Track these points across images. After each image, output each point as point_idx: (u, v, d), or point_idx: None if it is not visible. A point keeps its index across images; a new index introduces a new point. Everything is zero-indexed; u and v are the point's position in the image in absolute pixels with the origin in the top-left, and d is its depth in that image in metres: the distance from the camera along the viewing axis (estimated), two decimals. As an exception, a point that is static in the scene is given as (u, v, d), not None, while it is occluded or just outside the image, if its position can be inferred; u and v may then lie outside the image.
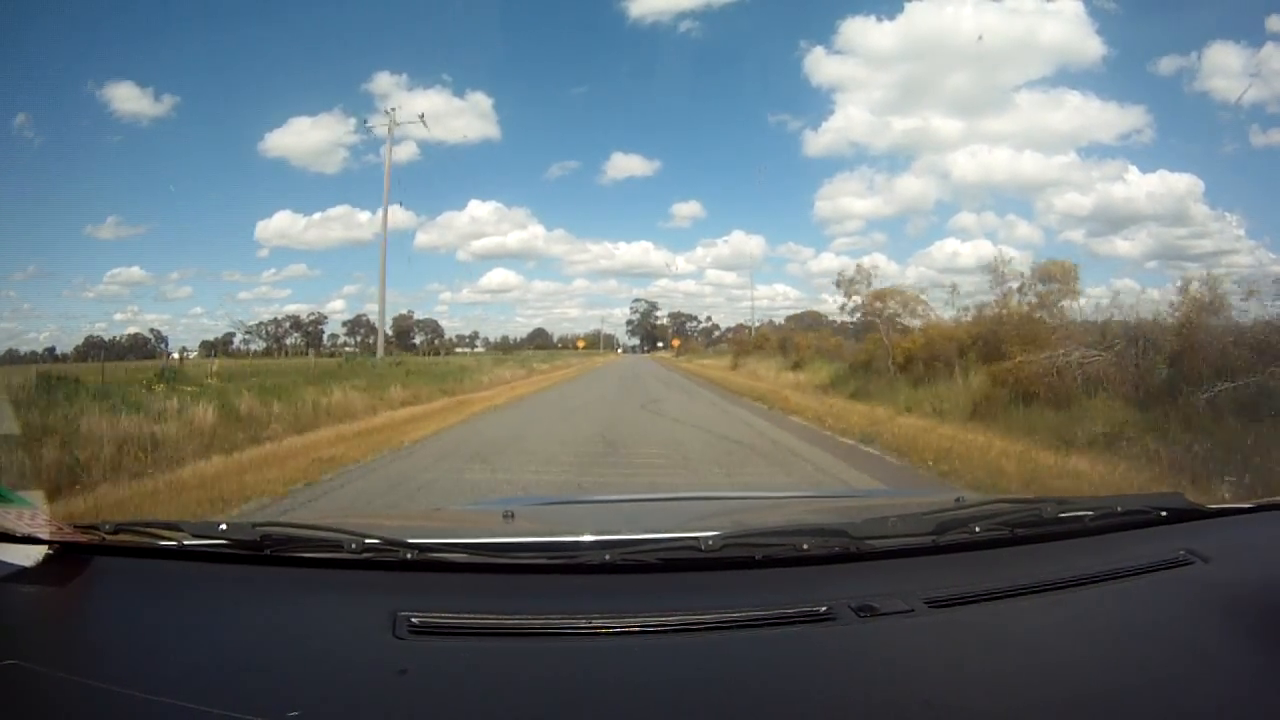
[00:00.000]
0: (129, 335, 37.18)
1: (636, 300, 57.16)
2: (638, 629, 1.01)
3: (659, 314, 59.15)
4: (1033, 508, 1.38)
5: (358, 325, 43.36)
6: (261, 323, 41.69)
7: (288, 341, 42.29)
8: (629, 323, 60.63)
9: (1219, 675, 0.96)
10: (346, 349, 40.73)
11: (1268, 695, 0.92)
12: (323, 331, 42.95)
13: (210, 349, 36.85)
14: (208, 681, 0.90)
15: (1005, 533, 1.30)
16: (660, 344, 58.24)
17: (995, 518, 1.32)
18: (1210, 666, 0.97)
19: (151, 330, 36.94)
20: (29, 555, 1.12)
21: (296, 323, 43.28)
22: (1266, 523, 1.50)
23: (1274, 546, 1.40)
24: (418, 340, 46.90)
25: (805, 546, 1.19)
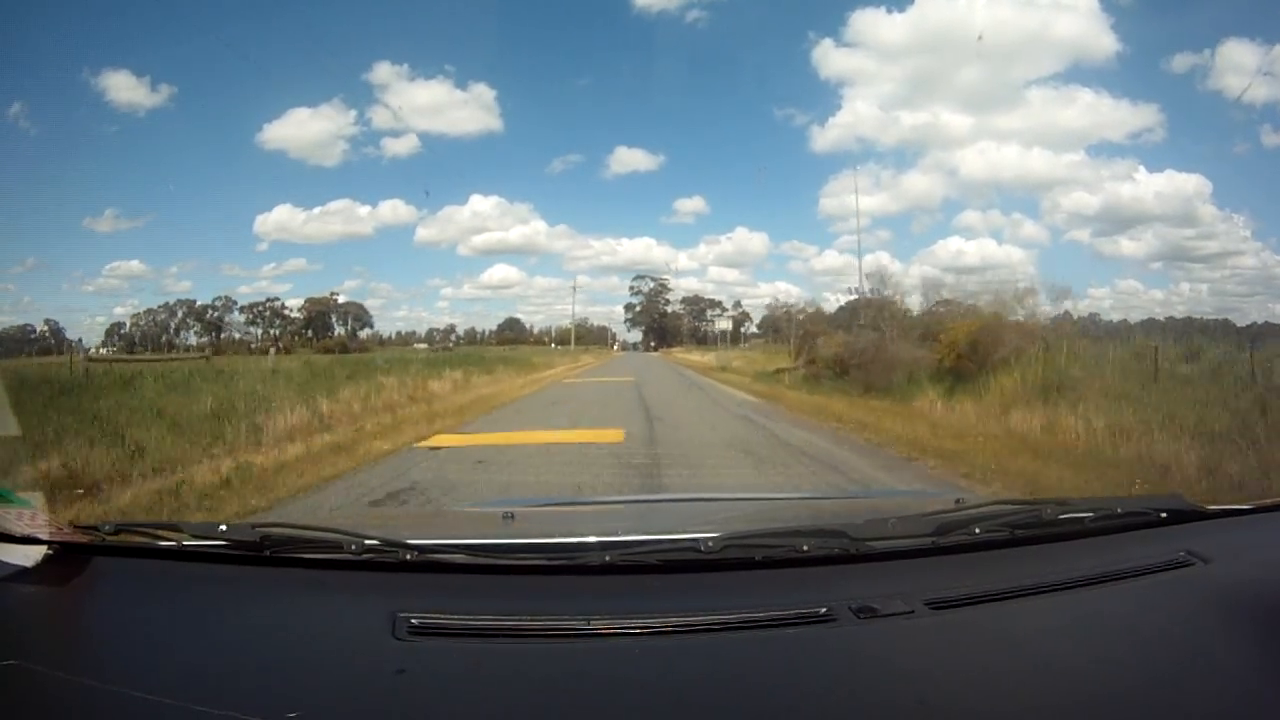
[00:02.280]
0: (17, 326, 31.27)
1: (639, 277, 42.02)
2: (638, 630, 1.01)
3: (669, 296, 43.03)
4: (1033, 509, 1.38)
5: (259, 313, 34.25)
6: (150, 309, 33.49)
7: (186, 339, 33.29)
8: (628, 308, 44.20)
9: (1219, 676, 0.96)
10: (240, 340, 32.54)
11: (1268, 696, 0.92)
12: (219, 320, 34.27)
13: (114, 340, 30.86)
14: (207, 682, 0.90)
15: (1005, 534, 1.30)
16: (720, 334, 40.80)
17: (995, 519, 1.32)
18: (1210, 667, 0.97)
19: (47, 321, 31.20)
20: (29, 555, 1.12)
21: (193, 309, 33.47)
22: (1266, 524, 1.50)
23: (1274, 547, 1.40)
24: (339, 330, 36.37)
25: (805, 548, 1.19)
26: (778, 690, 0.90)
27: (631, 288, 44.69)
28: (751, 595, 1.11)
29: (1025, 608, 1.13)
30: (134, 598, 1.11)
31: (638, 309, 45.08)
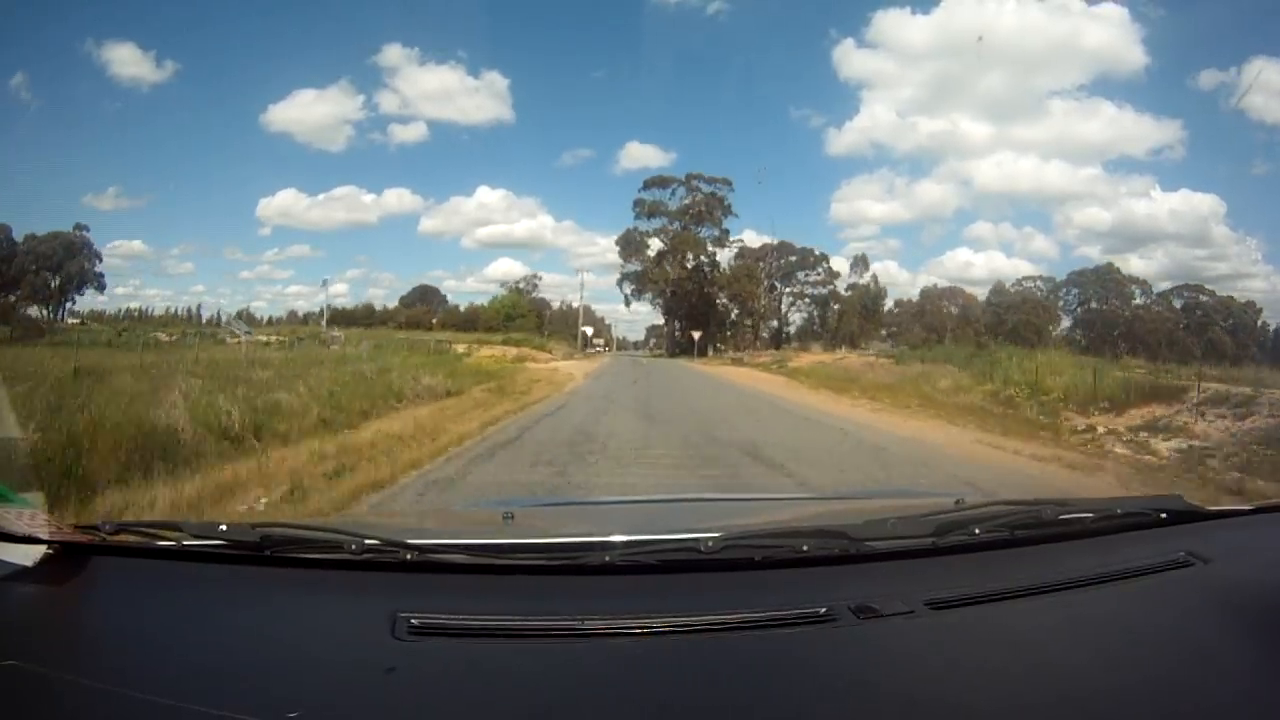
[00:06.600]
0: None
1: (655, 180, 21.40)
2: (637, 630, 1.01)
3: (726, 231, 21.09)
4: (1033, 510, 1.38)
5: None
6: None
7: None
8: (625, 249, 23.39)
9: (1219, 677, 0.96)
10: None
11: (1268, 696, 0.92)
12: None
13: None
14: (207, 682, 0.90)
15: (1005, 534, 1.30)
16: (813, 323, 19.91)
17: (995, 519, 1.32)
18: (1210, 668, 0.97)
19: None
20: (29, 555, 1.12)
21: None
22: (1266, 524, 1.51)
23: (1274, 548, 1.40)
24: (32, 310, 21.43)
25: (805, 548, 1.19)
26: (777, 690, 0.90)
27: (638, 203, 21.23)
28: (751, 595, 1.11)
29: (1025, 608, 1.13)
30: (134, 597, 1.10)
31: (652, 257, 20.99)
